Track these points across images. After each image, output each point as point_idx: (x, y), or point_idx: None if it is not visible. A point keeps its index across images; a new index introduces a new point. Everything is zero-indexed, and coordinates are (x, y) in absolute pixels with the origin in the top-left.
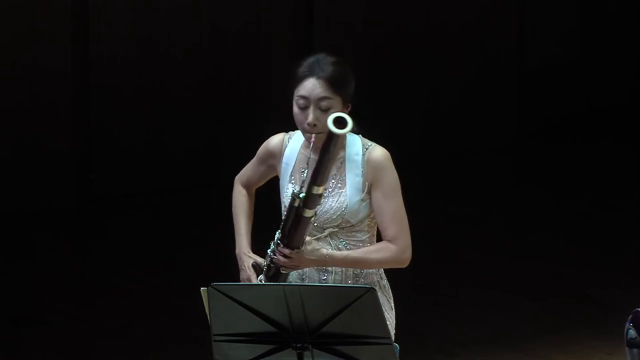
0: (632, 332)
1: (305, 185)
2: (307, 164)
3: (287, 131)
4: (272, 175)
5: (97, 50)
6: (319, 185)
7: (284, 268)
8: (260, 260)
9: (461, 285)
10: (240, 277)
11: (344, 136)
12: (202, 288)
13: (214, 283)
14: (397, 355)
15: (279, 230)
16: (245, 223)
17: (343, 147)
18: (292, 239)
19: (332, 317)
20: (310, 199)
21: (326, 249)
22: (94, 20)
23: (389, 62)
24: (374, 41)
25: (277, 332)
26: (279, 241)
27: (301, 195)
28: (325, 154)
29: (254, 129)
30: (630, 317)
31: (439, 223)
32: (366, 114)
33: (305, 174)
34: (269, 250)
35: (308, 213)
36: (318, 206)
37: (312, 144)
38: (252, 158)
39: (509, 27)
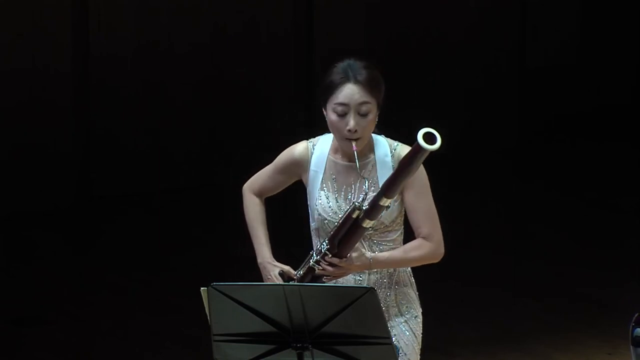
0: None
1: (369, 198)
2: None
3: (298, 140)
4: (291, 183)
5: (97, 50)
6: (389, 198)
7: (326, 277)
8: (286, 268)
9: (461, 284)
10: None
11: (371, 139)
12: (202, 288)
13: (214, 283)
14: (398, 355)
15: (326, 241)
16: (264, 232)
17: (371, 149)
18: (343, 249)
19: (332, 317)
20: (375, 210)
21: (369, 253)
22: (93, 20)
23: (389, 61)
24: (374, 42)
25: (277, 332)
26: (327, 251)
27: (364, 207)
28: (406, 169)
29: (254, 129)
30: (635, 316)
31: (440, 223)
32: None
33: (336, 181)
34: (311, 260)
35: (367, 224)
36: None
37: (355, 152)
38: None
39: (510, 28)
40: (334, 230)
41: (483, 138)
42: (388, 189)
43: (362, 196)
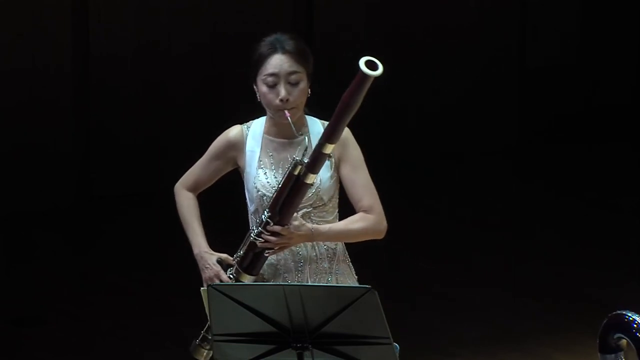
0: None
1: (309, 151)
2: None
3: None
4: (226, 171)
5: (97, 50)
6: (332, 143)
7: (268, 251)
8: (224, 256)
9: (461, 284)
10: (205, 276)
11: (304, 117)
12: (202, 288)
13: (214, 283)
14: (397, 355)
15: (266, 211)
16: (199, 225)
17: (305, 126)
18: (285, 214)
19: (332, 317)
20: (319, 160)
21: (310, 224)
22: (93, 20)
23: (389, 63)
24: (374, 42)
25: (277, 332)
26: (268, 220)
27: (305, 160)
28: (350, 103)
29: None
30: (605, 322)
31: (441, 223)
32: (367, 116)
33: (273, 157)
34: (252, 235)
35: (310, 179)
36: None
37: (289, 118)
38: None
39: (509, 27)
40: (273, 197)
41: (483, 138)
42: (332, 132)
43: (302, 153)
